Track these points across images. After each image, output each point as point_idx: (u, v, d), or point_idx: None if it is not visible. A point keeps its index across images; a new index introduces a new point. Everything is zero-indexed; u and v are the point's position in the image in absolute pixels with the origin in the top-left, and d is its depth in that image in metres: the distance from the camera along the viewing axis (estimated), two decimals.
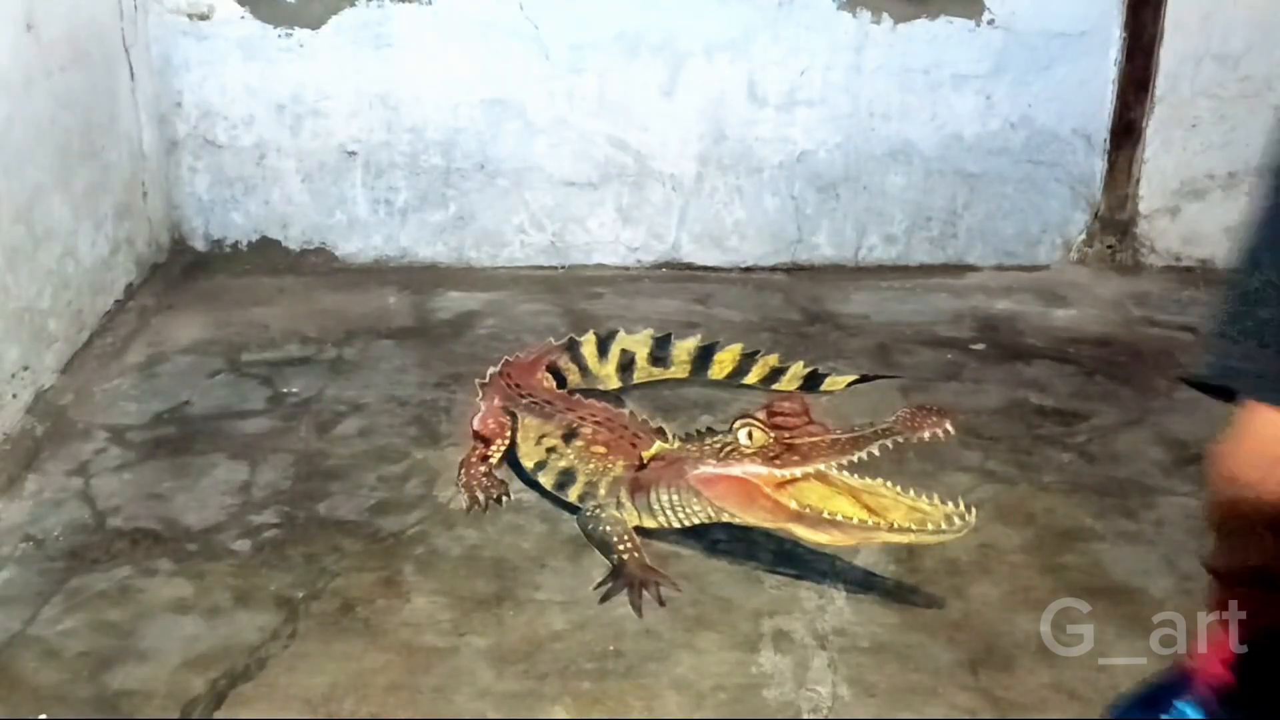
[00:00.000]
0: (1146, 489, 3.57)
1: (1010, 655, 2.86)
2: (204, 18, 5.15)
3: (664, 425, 3.55)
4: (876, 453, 2.91)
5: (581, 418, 3.58)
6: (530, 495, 3.53)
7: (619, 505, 3.30)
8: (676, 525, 3.23)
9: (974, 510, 2.89)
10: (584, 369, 4.21)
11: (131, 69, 4.96)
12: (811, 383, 4.23)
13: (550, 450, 3.53)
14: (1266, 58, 5.33)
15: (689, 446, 3.21)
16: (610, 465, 3.39)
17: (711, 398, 4.17)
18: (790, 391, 4.10)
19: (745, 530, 3.19)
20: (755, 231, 5.54)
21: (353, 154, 5.37)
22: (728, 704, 2.70)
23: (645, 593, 3.05)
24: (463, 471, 3.59)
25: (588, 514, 3.33)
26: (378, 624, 2.94)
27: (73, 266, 4.28)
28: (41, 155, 4.05)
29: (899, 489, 2.97)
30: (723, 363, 4.30)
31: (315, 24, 5.19)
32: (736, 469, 3.06)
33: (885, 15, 5.27)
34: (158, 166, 5.22)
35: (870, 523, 2.93)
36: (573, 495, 3.42)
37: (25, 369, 3.83)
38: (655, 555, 3.20)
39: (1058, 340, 4.74)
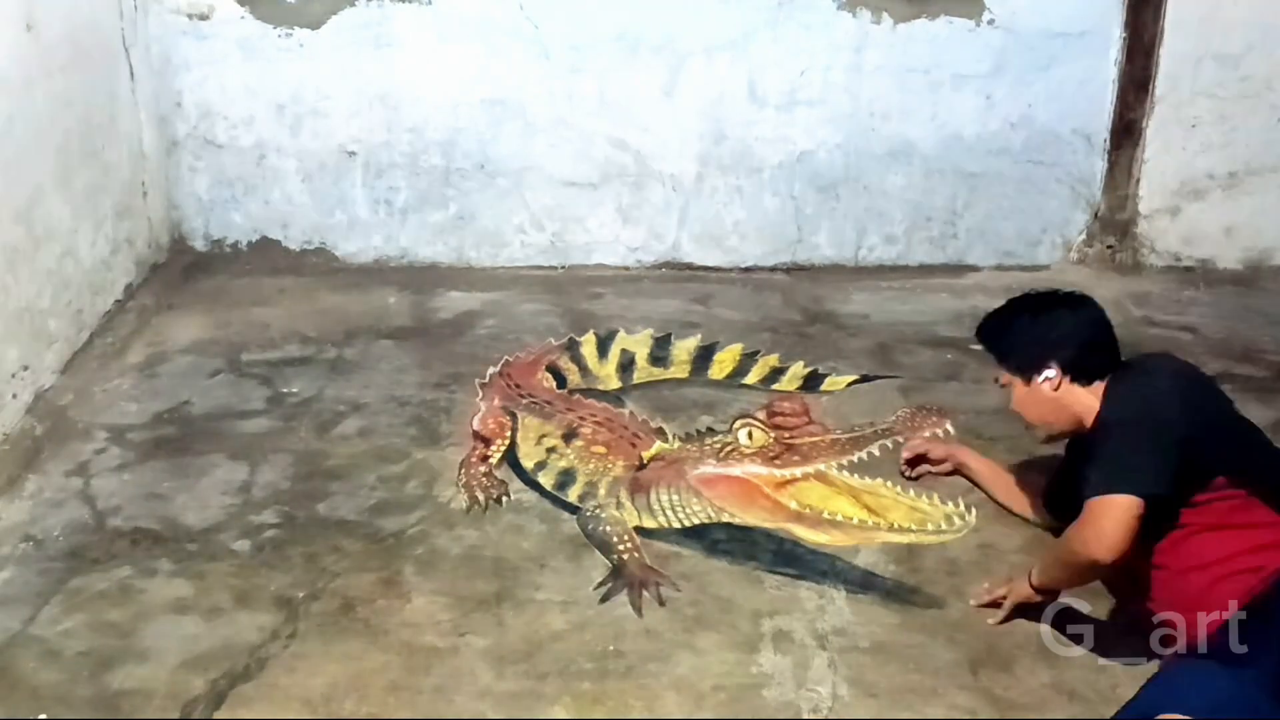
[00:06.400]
0: None
1: (1010, 655, 2.86)
2: (204, 18, 5.15)
3: (664, 425, 3.55)
4: (876, 453, 2.92)
5: (581, 418, 3.58)
6: (530, 495, 3.53)
7: (619, 505, 3.30)
8: (676, 525, 3.23)
9: (974, 510, 2.90)
10: (584, 369, 4.21)
11: (131, 69, 4.96)
12: (811, 383, 4.23)
13: (550, 450, 3.54)
14: (1266, 58, 5.33)
15: (689, 446, 3.22)
16: (610, 465, 3.39)
17: (711, 398, 4.17)
18: (790, 391, 4.11)
19: (745, 530, 3.20)
20: (755, 231, 5.54)
21: (353, 154, 5.37)
22: (728, 704, 2.70)
23: (645, 593, 3.05)
24: (463, 471, 3.59)
25: (588, 514, 3.33)
26: (378, 624, 2.94)
27: (73, 266, 4.28)
28: (41, 155, 4.05)
29: (899, 489, 2.98)
30: (723, 363, 4.30)
31: (315, 24, 5.19)
32: (736, 469, 3.06)
33: (885, 15, 5.27)
34: (158, 166, 5.22)
35: (870, 523, 2.93)
36: (573, 495, 3.43)
37: (25, 369, 3.83)
38: (655, 555, 3.20)
39: None
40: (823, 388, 4.22)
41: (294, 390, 4.21)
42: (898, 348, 4.67)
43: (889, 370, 4.42)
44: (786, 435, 3.03)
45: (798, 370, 4.26)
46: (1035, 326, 2.94)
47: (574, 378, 4.16)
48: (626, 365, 4.27)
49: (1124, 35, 5.32)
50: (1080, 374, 2.86)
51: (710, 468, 3.11)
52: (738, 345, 4.35)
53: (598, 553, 3.23)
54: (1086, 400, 2.84)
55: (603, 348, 4.27)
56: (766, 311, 5.06)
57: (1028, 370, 2.93)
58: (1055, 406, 2.90)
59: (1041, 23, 5.29)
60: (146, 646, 2.84)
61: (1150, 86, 5.37)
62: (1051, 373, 2.87)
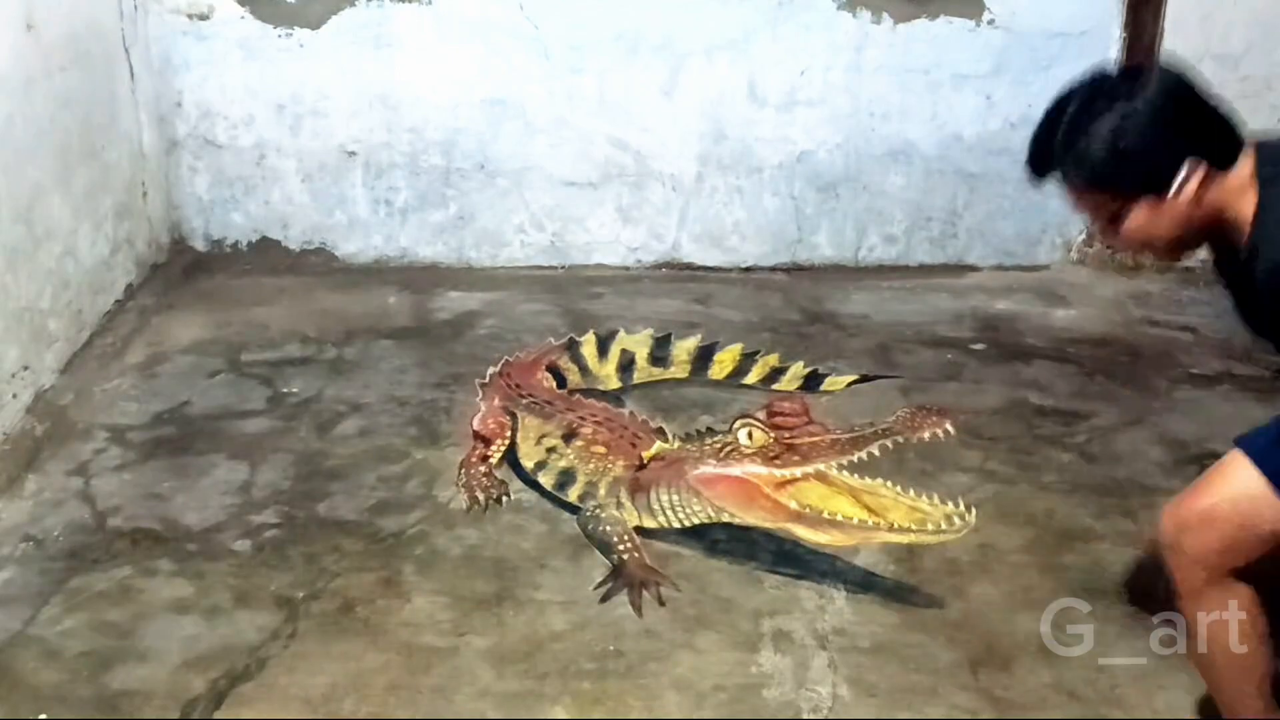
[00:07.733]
0: (1146, 489, 3.57)
1: (1010, 655, 2.85)
2: (204, 18, 5.15)
3: (664, 425, 3.55)
4: (876, 453, 2.91)
5: (581, 418, 3.58)
6: (530, 495, 3.53)
7: (619, 505, 3.30)
8: (676, 525, 3.23)
9: (974, 510, 2.89)
10: (584, 369, 4.21)
11: (131, 69, 4.96)
12: (811, 383, 4.23)
13: (550, 450, 3.53)
14: (1266, 58, 5.33)
15: (689, 446, 3.21)
16: (610, 465, 3.39)
17: (711, 398, 4.17)
18: (790, 391, 4.11)
19: (745, 530, 3.19)
20: (755, 231, 5.54)
21: (353, 154, 5.37)
22: (728, 704, 2.70)
23: (645, 593, 3.04)
24: (463, 471, 3.59)
25: (588, 514, 3.33)
26: (378, 624, 2.94)
27: (73, 266, 4.28)
28: (41, 155, 4.05)
29: (899, 489, 2.97)
30: (723, 363, 4.30)
31: (315, 24, 5.19)
32: (736, 469, 3.06)
33: (885, 15, 5.27)
34: (158, 166, 5.22)
35: (870, 523, 2.93)
36: (573, 495, 3.42)
37: (25, 369, 3.83)
38: (655, 555, 3.20)
39: (1058, 340, 4.74)
40: (823, 388, 4.22)
41: (294, 390, 4.21)
42: (898, 348, 4.67)
43: (889, 370, 4.41)
44: (786, 435, 3.03)
45: (798, 370, 4.26)
46: (1143, 121, 2.20)
47: (574, 378, 4.16)
48: (626, 365, 4.26)
49: (1124, 35, 5.32)
50: (1221, 157, 2.16)
51: (710, 468, 3.11)
52: (738, 345, 4.35)
53: (598, 553, 3.23)
54: (1231, 189, 2.17)
55: (603, 348, 4.27)
56: (766, 311, 5.05)
57: (1156, 184, 2.19)
58: (1194, 213, 2.20)
59: (1041, 23, 5.28)
60: (146, 646, 2.84)
61: None
62: (1189, 170, 2.16)
